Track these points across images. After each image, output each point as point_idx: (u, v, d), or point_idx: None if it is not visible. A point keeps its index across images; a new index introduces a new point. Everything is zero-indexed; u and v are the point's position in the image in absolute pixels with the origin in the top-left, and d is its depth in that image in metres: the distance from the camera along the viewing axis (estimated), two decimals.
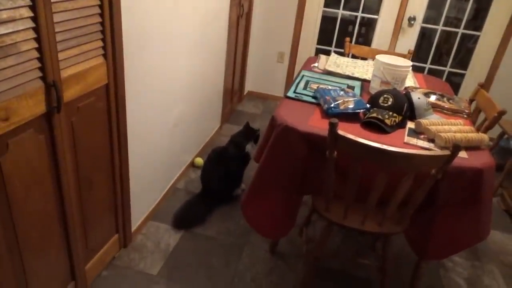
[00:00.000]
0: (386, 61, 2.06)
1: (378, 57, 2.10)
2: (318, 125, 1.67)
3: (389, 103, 1.74)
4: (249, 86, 4.08)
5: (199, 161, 2.72)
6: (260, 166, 1.71)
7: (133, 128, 1.70)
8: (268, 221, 1.78)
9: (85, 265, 1.64)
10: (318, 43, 3.80)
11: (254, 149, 2.37)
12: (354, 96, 1.91)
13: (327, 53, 3.77)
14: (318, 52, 3.82)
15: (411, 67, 2.10)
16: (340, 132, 1.41)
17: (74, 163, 1.42)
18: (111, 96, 1.55)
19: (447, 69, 3.63)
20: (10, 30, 1.04)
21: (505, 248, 2.30)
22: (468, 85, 3.61)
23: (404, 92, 1.96)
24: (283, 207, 1.75)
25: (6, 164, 1.12)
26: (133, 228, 2.01)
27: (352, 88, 2.17)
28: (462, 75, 3.61)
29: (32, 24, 1.10)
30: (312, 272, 1.81)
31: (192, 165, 2.72)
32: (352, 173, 1.47)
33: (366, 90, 2.18)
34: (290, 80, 3.99)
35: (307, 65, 2.54)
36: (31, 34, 1.11)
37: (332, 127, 1.41)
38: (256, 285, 1.87)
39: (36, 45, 1.14)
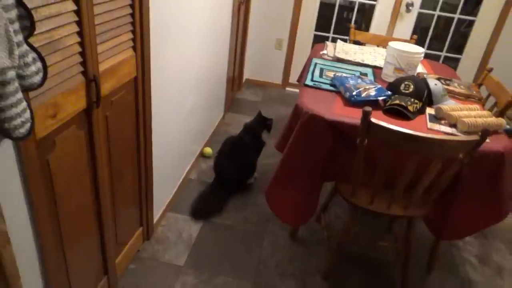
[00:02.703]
0: (400, 48, 2.09)
1: (391, 44, 2.14)
2: (343, 113, 1.69)
3: (410, 90, 1.78)
4: (247, 74, 4.06)
5: (208, 150, 2.72)
6: (285, 155, 1.73)
7: (154, 120, 1.70)
8: (292, 208, 1.81)
9: (115, 259, 1.64)
10: (316, 30, 3.80)
11: (268, 137, 2.38)
12: (372, 83, 1.94)
13: (326, 39, 3.78)
14: (317, 38, 3.83)
15: (423, 54, 2.14)
16: (373, 120, 1.44)
17: (108, 157, 1.42)
18: (139, 89, 1.54)
19: (443, 53, 3.71)
20: (58, 25, 1.02)
21: (511, 226, 2.41)
22: (464, 70, 3.70)
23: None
24: (306, 195, 1.78)
25: (53, 162, 1.11)
26: (155, 220, 2.01)
27: (365, 75, 2.21)
28: (458, 60, 3.70)
29: (75, 18, 1.08)
30: (336, 258, 1.87)
31: (201, 155, 2.72)
32: (382, 159, 1.50)
33: (378, 77, 2.22)
34: (288, 67, 3.99)
35: (316, 53, 2.56)
36: (75, 28, 1.09)
37: (366, 115, 1.44)
38: (281, 271, 1.91)
39: (78, 39, 1.12)
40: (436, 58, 3.72)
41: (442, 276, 1.98)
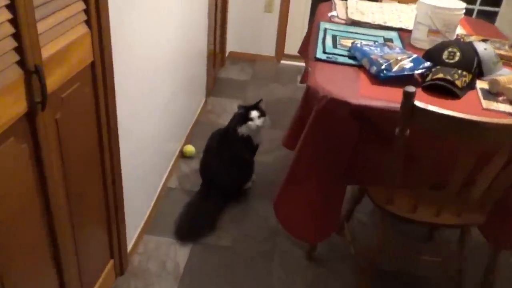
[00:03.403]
0: (435, 4, 1.98)
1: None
2: (371, 94, 1.60)
3: (456, 58, 1.68)
4: (231, 46, 3.95)
5: (190, 149, 2.65)
6: (297, 154, 1.66)
7: (121, 117, 1.61)
8: (308, 221, 1.76)
9: None
10: None
11: (266, 122, 2.30)
12: (403, 52, 1.84)
13: None
14: None
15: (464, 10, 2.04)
16: (419, 103, 1.34)
17: (62, 174, 1.31)
18: (98, 78, 1.43)
19: (476, 7, 3.63)
20: None
21: None
22: (502, 28, 3.62)
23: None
24: (325, 203, 1.72)
25: None
26: (129, 247, 1.92)
27: (390, 40, 2.11)
28: (494, 14, 3.62)
29: None
30: (367, 279, 1.81)
31: (182, 155, 2.64)
32: (428, 154, 1.42)
33: (407, 43, 2.13)
34: (282, 34, 3.90)
35: (323, 15, 2.44)
36: (2, 1, 0.94)
37: (408, 98, 1.34)
38: None
39: (10, 15, 0.97)
40: (468, 13, 3.62)
41: None
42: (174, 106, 2.37)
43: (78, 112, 1.34)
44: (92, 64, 1.38)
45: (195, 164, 2.53)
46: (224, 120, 2.83)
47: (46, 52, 1.13)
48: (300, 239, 1.91)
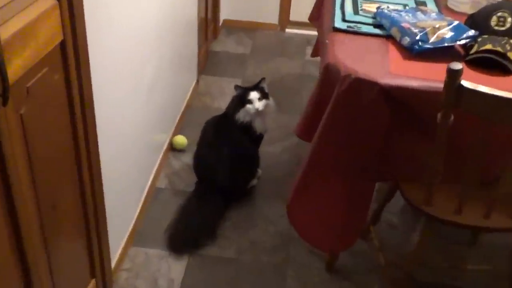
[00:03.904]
0: None
1: None
2: (405, 71, 1.58)
3: (507, 25, 1.66)
4: (225, 13, 3.93)
5: (180, 140, 2.65)
6: (316, 146, 1.65)
7: (99, 108, 1.58)
8: (329, 226, 1.77)
9: None
10: None
11: (270, 106, 2.29)
12: (441, 17, 1.82)
13: None
14: None
15: None
16: (466, 83, 1.32)
17: (31, 181, 1.27)
18: (70, 62, 1.38)
19: None
20: None
21: None
22: None
23: None
24: (350, 204, 1.72)
25: None
26: (113, 263, 1.91)
27: (422, 3, 2.08)
28: None
29: None
30: None
31: (171, 148, 2.64)
32: (476, 144, 1.40)
33: (444, 6, 2.11)
34: None
35: None
36: None
37: (454, 77, 1.31)
38: None
39: None
40: None
41: None
42: (160, 89, 2.35)
43: (47, 105, 1.30)
44: (62, 44, 1.33)
45: (188, 159, 2.51)
46: (221, 104, 2.84)
47: (4, 32, 1.08)
48: (319, 247, 1.92)
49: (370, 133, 1.58)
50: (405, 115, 1.54)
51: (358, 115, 1.56)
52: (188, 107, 2.93)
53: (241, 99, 2.22)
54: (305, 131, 1.80)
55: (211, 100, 3.04)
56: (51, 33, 1.27)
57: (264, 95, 2.22)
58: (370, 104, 1.53)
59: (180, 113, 2.81)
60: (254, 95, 2.19)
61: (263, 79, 2.29)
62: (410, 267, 1.76)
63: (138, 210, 2.16)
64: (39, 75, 1.25)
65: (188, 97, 2.96)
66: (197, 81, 3.14)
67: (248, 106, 2.19)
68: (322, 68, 1.66)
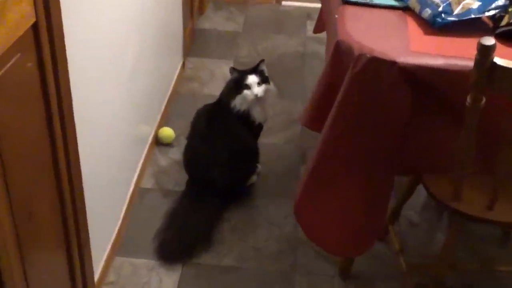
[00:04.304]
0: None
1: None
2: (427, 48, 1.58)
3: None
4: None
5: (167, 133, 2.65)
6: (326, 136, 1.65)
7: (76, 99, 1.58)
8: (343, 227, 1.78)
9: None
10: None
11: (271, 91, 2.30)
12: None
13: None
14: None
15: None
16: (500, 61, 1.31)
17: (2, 186, 1.25)
18: (44, 46, 1.37)
19: None
20: None
21: None
22: None
23: None
24: (367, 201, 1.72)
25: None
26: (96, 276, 1.91)
27: None
28: None
29: None
30: None
31: (157, 142, 2.64)
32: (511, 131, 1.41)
33: None
34: None
35: None
36: None
37: (486, 54, 1.31)
38: None
39: None
40: None
41: None
42: (142, 74, 2.35)
43: (19, 97, 1.29)
44: (35, 27, 1.32)
45: (176, 154, 2.52)
46: (211, 90, 2.83)
47: None
48: (332, 252, 1.92)
49: (389, 120, 1.58)
50: (429, 98, 1.53)
51: (375, 100, 1.56)
52: (175, 94, 2.93)
53: (237, 84, 2.22)
54: (313, 119, 1.81)
55: (200, 85, 3.04)
56: (21, 14, 1.24)
57: (264, 79, 2.22)
58: (389, 87, 1.53)
59: (166, 102, 2.81)
60: (252, 79, 2.19)
61: (262, 61, 2.28)
62: (436, 270, 1.76)
63: (122, 215, 2.16)
64: (11, 63, 1.23)
65: (173, 83, 2.95)
66: (183, 64, 3.14)
67: (246, 92, 2.19)
68: (331, 47, 1.66)
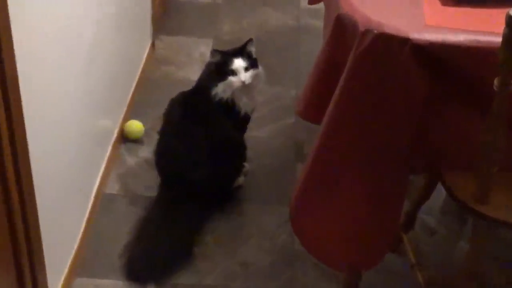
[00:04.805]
0: None
1: None
2: (447, 23, 1.58)
3: None
4: None
5: (135, 127, 2.66)
6: (326, 129, 1.65)
7: (24, 85, 1.58)
8: (348, 238, 1.79)
9: None
10: None
11: (260, 77, 2.32)
12: None
13: None
14: None
15: None
16: None
17: None
18: None
19: None
20: None
21: None
22: None
23: None
24: (377, 206, 1.72)
25: None
26: None
27: None
28: None
29: None
30: None
31: (123, 137, 2.65)
32: None
33: None
34: None
35: None
36: None
37: None
38: None
39: None
40: None
41: None
42: (103, 55, 2.34)
43: None
44: None
45: (146, 152, 2.53)
46: (188, 74, 2.84)
47: None
48: (336, 266, 1.93)
49: (401, 108, 1.58)
50: (448, 82, 1.54)
51: (385, 84, 1.56)
52: (143, 80, 2.93)
53: (220, 68, 2.22)
54: (310, 108, 1.82)
55: (174, 69, 3.05)
56: None
57: (252, 63, 2.23)
58: (401, 69, 1.53)
59: (132, 90, 2.81)
60: (239, 63, 2.20)
61: (250, 40, 2.28)
62: (458, 285, 1.78)
63: (83, 227, 2.15)
64: None
65: (141, 67, 2.96)
66: (153, 43, 3.15)
67: (231, 78, 2.20)
68: (331, 21, 1.66)
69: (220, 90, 2.24)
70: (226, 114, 2.29)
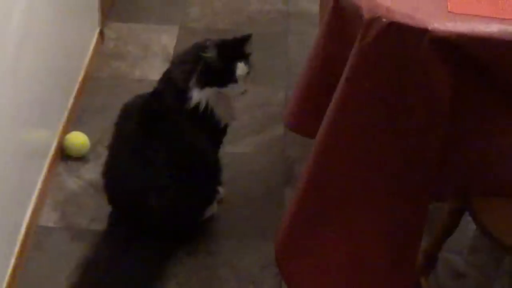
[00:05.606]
0: None
1: None
2: (476, 10, 1.60)
3: None
4: None
5: (77, 141, 2.66)
6: (323, 144, 1.68)
7: None
8: (347, 285, 1.82)
9: None
10: None
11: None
12: None
13: None
14: None
15: None
16: None
17: None
18: None
19: None
20: None
21: None
22: None
23: None
24: (386, 243, 1.76)
25: None
26: None
27: None
28: None
29: None
30: None
31: (63, 154, 2.66)
32: None
33: None
34: None
35: None
36: None
37: None
38: None
39: None
40: None
41: None
42: (34, 51, 2.34)
43: None
44: None
45: (92, 173, 2.53)
46: (146, 72, 2.83)
47: None
48: None
49: (419, 116, 1.59)
50: (478, 82, 1.55)
51: (397, 86, 1.58)
52: (89, 80, 2.94)
53: (218, 71, 2.21)
54: (302, 117, 1.86)
55: (128, 65, 3.05)
56: None
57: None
58: (417, 67, 1.54)
59: (75, 92, 2.81)
60: (243, 69, 2.20)
61: (249, 37, 2.28)
62: None
63: (10, 270, 2.14)
64: None
65: (86, 63, 2.96)
66: (101, 32, 3.16)
67: (232, 86, 2.21)
68: (328, 6, 1.69)
69: (203, 95, 2.23)
70: (198, 125, 2.30)
